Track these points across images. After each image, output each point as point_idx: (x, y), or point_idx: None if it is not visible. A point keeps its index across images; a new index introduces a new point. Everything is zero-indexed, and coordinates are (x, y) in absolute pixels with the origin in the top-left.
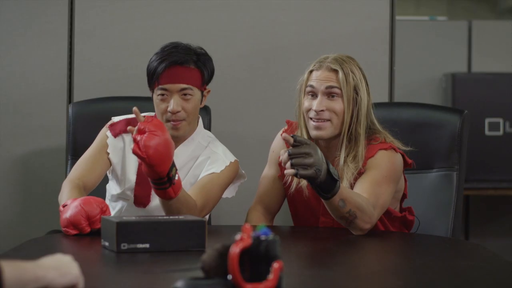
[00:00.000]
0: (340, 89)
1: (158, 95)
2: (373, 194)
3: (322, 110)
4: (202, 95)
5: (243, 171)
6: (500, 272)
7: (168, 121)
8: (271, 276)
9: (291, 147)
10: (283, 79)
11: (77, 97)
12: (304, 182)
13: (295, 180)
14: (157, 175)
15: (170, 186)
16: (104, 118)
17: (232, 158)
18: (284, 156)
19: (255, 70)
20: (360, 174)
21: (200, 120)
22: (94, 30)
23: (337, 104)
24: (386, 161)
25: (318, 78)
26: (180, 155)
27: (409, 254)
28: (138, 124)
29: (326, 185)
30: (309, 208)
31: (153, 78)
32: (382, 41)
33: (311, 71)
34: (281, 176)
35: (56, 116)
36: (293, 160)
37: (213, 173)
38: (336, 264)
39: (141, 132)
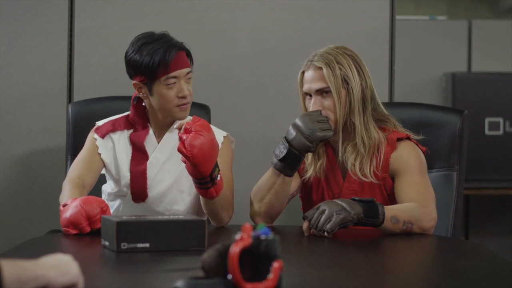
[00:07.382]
0: (329, 86)
1: (167, 84)
2: (419, 195)
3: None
4: None
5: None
6: (500, 272)
7: (177, 106)
8: (271, 276)
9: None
10: (283, 79)
11: (77, 97)
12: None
13: (311, 169)
14: (200, 175)
15: (212, 186)
16: (104, 118)
17: (223, 132)
18: (305, 227)
19: (255, 70)
20: (382, 160)
21: None
22: (94, 30)
23: (329, 101)
24: (413, 158)
25: (309, 80)
26: (170, 142)
27: (409, 254)
28: (185, 123)
29: (368, 212)
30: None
31: (159, 68)
32: (382, 41)
33: (303, 72)
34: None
35: (56, 116)
36: (318, 227)
37: None
38: (336, 264)
39: (187, 131)
